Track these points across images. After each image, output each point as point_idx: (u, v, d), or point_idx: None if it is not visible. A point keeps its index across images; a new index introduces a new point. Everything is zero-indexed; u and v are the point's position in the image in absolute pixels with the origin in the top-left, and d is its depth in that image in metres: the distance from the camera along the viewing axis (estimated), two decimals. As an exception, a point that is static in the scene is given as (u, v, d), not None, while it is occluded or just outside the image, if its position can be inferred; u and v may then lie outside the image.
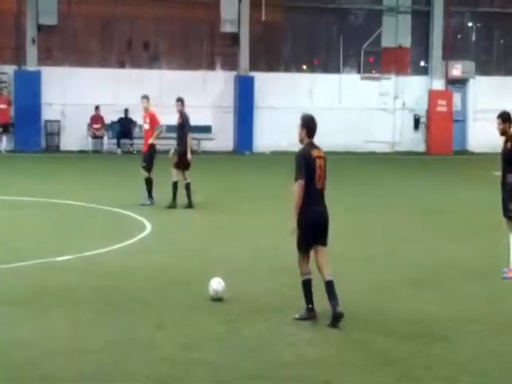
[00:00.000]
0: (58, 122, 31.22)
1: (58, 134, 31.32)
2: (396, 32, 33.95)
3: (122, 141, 31.03)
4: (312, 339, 8.24)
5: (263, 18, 31.99)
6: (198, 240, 13.78)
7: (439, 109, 33.76)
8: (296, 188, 8.59)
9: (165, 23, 32.45)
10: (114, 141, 31.15)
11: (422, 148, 34.31)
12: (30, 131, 30.36)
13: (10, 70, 30.89)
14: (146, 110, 17.73)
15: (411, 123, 34.40)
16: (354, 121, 33.00)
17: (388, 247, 13.48)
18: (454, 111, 34.15)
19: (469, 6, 35.09)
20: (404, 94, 34.23)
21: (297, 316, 8.82)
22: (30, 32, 30.65)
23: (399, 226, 15.72)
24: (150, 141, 17.50)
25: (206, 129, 32.18)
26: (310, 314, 8.83)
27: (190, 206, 17.15)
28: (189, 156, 17.32)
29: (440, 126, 33.59)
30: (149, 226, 14.74)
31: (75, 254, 12.03)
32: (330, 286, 8.64)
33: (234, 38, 32.51)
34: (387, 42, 34.05)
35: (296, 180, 8.62)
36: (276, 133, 31.83)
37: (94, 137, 30.99)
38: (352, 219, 16.23)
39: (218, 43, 33.04)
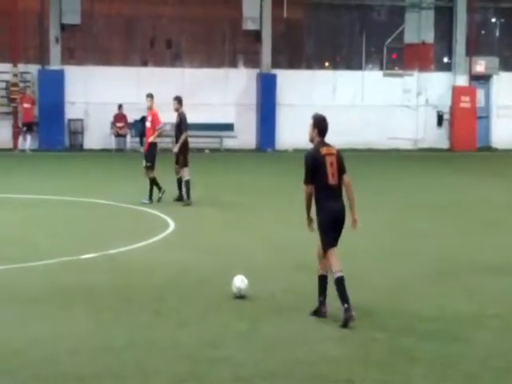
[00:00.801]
0: (81, 120, 31.41)
1: (82, 132, 31.50)
2: (419, 28, 33.79)
3: (145, 139, 31.11)
4: (332, 337, 8.22)
5: (285, 15, 31.98)
6: (221, 238, 13.81)
7: (463, 105, 33.56)
8: (304, 192, 8.75)
9: (187, 21, 32.50)
10: (137, 139, 31.24)
11: (445, 145, 34.15)
12: (54, 130, 30.58)
13: (33, 69, 31.11)
14: (150, 108, 17.75)
15: (434, 120, 34.23)
16: (377, 118, 32.91)
17: (408, 243, 13.45)
18: (477, 107, 33.95)
19: (492, 2, 34.85)
20: (427, 90, 34.06)
21: (341, 324, 8.50)
22: (54, 31, 30.87)
23: (421, 222, 15.68)
24: (151, 139, 17.57)
25: (229, 126, 32.22)
26: (349, 314, 8.43)
27: (179, 198, 17.35)
28: (175, 150, 17.40)
29: (463, 123, 33.40)
30: (172, 224, 14.79)
31: (99, 252, 12.09)
32: (321, 281, 8.86)
33: (256, 36, 32.53)
34: (410, 38, 33.88)
35: (304, 183, 8.76)
36: (298, 130, 31.69)
37: (117, 135, 31.13)
38: (373, 216, 16.19)
39: (240, 41, 33.03)
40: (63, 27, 30.98)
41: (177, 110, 17.64)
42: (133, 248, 12.60)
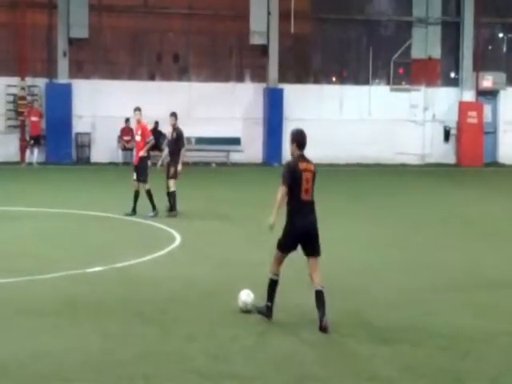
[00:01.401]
0: (88, 134, 31.46)
1: (89, 146, 31.55)
2: (426, 43, 33.84)
3: (152, 153, 31.12)
4: (341, 352, 8.22)
5: (292, 30, 32.04)
6: (227, 251, 13.79)
7: (469, 120, 33.53)
8: (278, 192, 9.00)
9: (194, 36, 32.63)
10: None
11: (452, 160, 34.11)
12: (61, 143, 30.65)
13: (41, 82, 31.21)
14: (139, 122, 17.93)
15: (441, 135, 34.20)
16: (384, 133, 32.89)
17: (414, 257, 13.44)
18: (484, 123, 33.92)
19: (499, 17, 34.89)
20: (434, 105, 34.08)
21: (255, 306, 9.23)
22: (62, 45, 30.98)
23: (426, 236, 15.68)
24: (141, 153, 17.68)
25: (235, 141, 32.24)
26: (268, 312, 9.15)
27: (171, 210, 17.57)
28: (179, 168, 17.69)
29: (470, 138, 33.36)
30: (178, 238, 14.79)
31: (106, 266, 12.09)
32: (318, 296, 8.93)
33: (263, 50, 32.60)
34: (417, 53, 33.94)
35: (282, 184, 9.01)
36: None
37: (124, 149, 31.13)
38: (378, 229, 16.25)
39: (247, 55, 33.11)
40: (71, 41, 31.09)
41: (173, 125, 18.01)
42: (140, 261, 12.60)
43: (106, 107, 31.00)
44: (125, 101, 30.86)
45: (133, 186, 17.61)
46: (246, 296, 9.60)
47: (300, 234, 9.03)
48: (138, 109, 17.89)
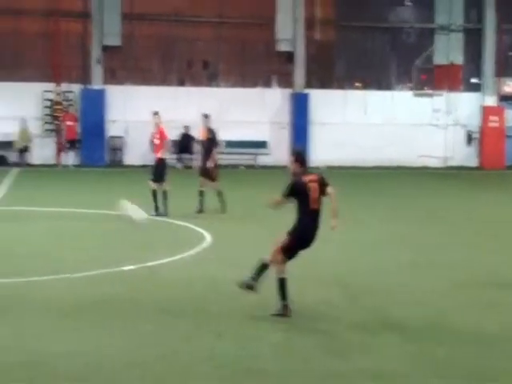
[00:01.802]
0: (121, 138, 32.42)
1: (121, 149, 32.51)
2: (448, 50, 34.35)
3: (183, 156, 32.08)
4: (366, 349, 8.29)
5: (318, 37, 32.80)
6: (256, 251, 13.99)
7: (491, 125, 34.10)
8: (277, 197, 9.78)
9: (223, 43, 33.45)
10: (175, 156, 32.07)
11: (474, 163, 34.59)
12: (96, 147, 31.65)
13: (76, 88, 32.26)
14: (157, 125, 18.53)
15: (463, 139, 34.67)
16: (407, 136, 33.47)
17: (435, 257, 13.56)
18: (506, 127, 34.48)
19: (521, 23, 35.35)
20: (457, 110, 34.56)
21: (274, 312, 9.44)
22: (96, 52, 32.00)
23: (445, 237, 15.89)
24: (159, 155, 18.42)
25: (262, 144, 33.03)
26: (286, 311, 9.46)
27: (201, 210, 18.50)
28: (208, 164, 18.50)
29: (492, 142, 33.92)
30: (208, 238, 14.99)
31: (138, 265, 12.23)
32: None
33: (290, 57, 33.32)
34: (439, 59, 34.47)
35: (282, 195, 9.71)
36: (330, 148, 32.50)
37: (156, 152, 31.99)
38: (402, 231, 16.56)
39: (274, 61, 33.79)
40: (104, 49, 32.08)
41: (208, 127, 18.85)
42: (171, 261, 12.76)
43: (138, 112, 31.66)
44: (156, 106, 31.83)
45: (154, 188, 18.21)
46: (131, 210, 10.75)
47: (309, 242, 9.65)
48: (156, 113, 18.61)
